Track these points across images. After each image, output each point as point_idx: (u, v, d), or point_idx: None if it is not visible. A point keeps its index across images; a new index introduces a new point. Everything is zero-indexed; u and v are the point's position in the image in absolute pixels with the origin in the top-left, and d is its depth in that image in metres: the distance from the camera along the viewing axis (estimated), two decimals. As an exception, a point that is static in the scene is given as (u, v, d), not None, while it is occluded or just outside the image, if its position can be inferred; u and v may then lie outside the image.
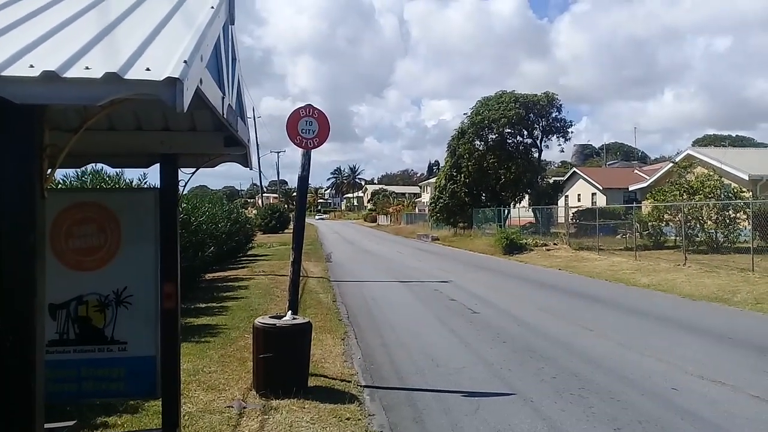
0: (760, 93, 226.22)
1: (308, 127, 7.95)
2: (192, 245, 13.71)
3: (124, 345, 4.07)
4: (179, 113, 2.37)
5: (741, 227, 22.42)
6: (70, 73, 2.06)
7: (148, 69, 2.17)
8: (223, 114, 3.27)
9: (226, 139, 4.34)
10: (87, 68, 2.11)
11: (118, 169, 10.82)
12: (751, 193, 25.45)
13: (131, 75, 2.12)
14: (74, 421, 4.36)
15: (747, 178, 27.54)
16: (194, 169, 4.76)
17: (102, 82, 2.05)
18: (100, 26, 2.57)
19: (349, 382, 7.34)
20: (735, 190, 25.05)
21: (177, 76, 2.10)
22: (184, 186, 4.55)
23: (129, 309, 4.10)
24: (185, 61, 2.23)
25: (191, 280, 14.48)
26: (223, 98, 3.27)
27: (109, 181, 10.48)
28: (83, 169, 9.76)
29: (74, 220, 4.13)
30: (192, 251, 13.62)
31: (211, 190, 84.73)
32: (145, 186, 10.19)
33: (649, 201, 27.81)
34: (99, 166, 9.11)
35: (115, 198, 4.56)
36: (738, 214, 22.54)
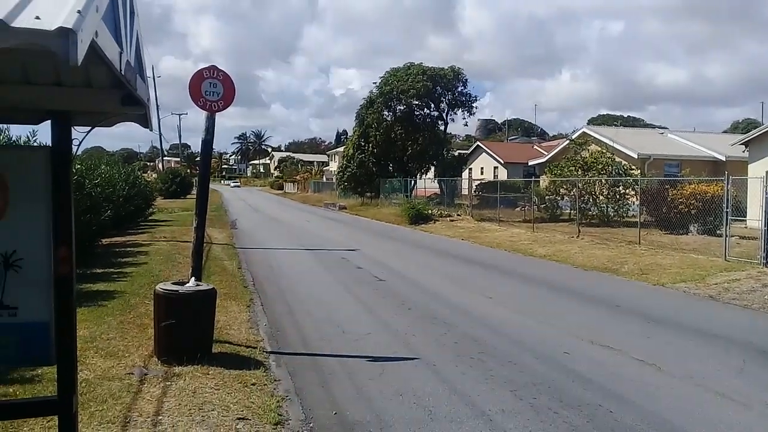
0: (649, 77, 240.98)
1: (212, 89, 7.70)
2: (87, 208, 13.04)
3: (15, 310, 3.85)
4: (72, 67, 2.24)
5: (630, 203, 23.90)
6: (-51, 18, 1.90)
7: (38, 18, 2.02)
8: (121, 70, 3.11)
9: (123, 97, 4.13)
10: (-31, 13, 1.95)
11: (2, 125, 10.05)
12: (639, 170, 27.14)
13: (19, 23, 1.97)
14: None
15: (636, 157, 29.31)
16: (89, 128, 4.52)
17: (-16, 28, 1.90)
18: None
19: (254, 348, 7.31)
20: (625, 168, 26.60)
21: (70, 27, 1.98)
22: (78, 145, 4.31)
23: (19, 273, 3.87)
24: (79, 11, 2.09)
25: (87, 244, 13.79)
26: (120, 53, 3.10)
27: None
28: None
29: (-45, 178, 3.83)
30: (87, 215, 12.96)
31: (108, 151, 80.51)
32: (35, 144, 9.54)
33: (547, 176, 29.08)
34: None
35: (2, 156, 4.26)
36: (627, 191, 23.99)
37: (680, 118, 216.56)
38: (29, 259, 3.84)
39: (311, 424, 5.22)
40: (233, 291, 10.84)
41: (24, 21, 2.00)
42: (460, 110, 46.29)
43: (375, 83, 45.92)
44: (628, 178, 24.52)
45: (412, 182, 41.71)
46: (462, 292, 11.70)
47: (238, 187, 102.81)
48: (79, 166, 13.56)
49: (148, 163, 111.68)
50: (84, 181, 13.31)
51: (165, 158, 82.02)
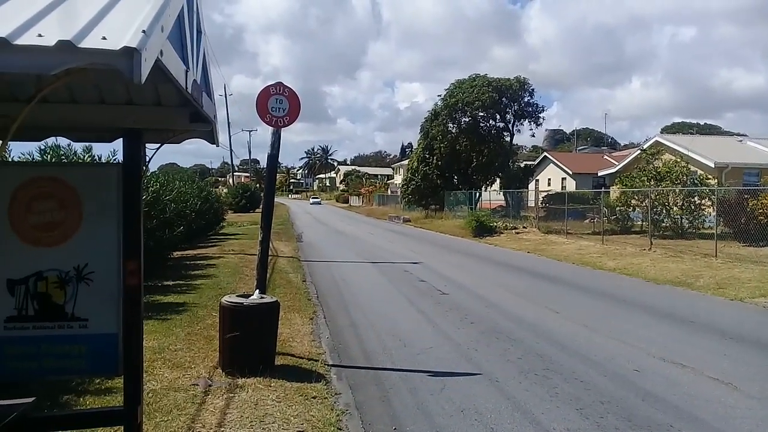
0: (725, 83, 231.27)
1: (278, 105, 7.85)
2: (161, 223, 13.54)
3: (85, 322, 3.99)
4: (142, 86, 2.31)
5: (706, 214, 22.90)
6: (22, 41, 2.00)
7: (104, 38, 2.11)
8: (187, 88, 3.20)
9: (191, 114, 4.26)
10: (40, 35, 2.04)
11: (85, 144, 10.60)
12: (716, 180, 25.99)
13: (86, 44, 2.06)
14: (33, 398, 4.29)
15: (713, 166, 28.09)
16: (159, 145, 4.68)
17: (55, 50, 1.99)
18: (57, -7, 2.49)
19: (316, 361, 7.35)
20: (701, 177, 25.53)
21: (134, 46, 2.05)
22: (148, 161, 4.47)
23: (90, 286, 4.02)
24: (144, 31, 2.17)
25: (159, 258, 14.31)
26: (186, 72, 3.20)
27: (73, 157, 10.25)
28: (45, 143, 9.52)
29: (34, 195, 4.02)
30: (161, 229, 13.44)
31: (182, 168, 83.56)
32: (113, 162, 10.00)
33: (618, 186, 28.22)
34: (58, 140, 8.95)
35: (76, 173, 4.44)
36: (703, 201, 23.00)
37: (760, 125, 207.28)
38: (100, 272, 3.99)
39: (371, 439, 5.18)
40: (297, 304, 10.98)
41: (91, 41, 2.09)
42: (527, 121, 45.71)
43: (440, 96, 45.99)
44: (704, 188, 23.51)
45: (477, 194, 41.36)
46: (527, 306, 11.45)
47: (319, 204, 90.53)
48: (155, 185, 14.11)
49: (220, 179, 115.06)
50: (159, 197, 13.84)
51: (235, 173, 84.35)
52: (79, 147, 10.49)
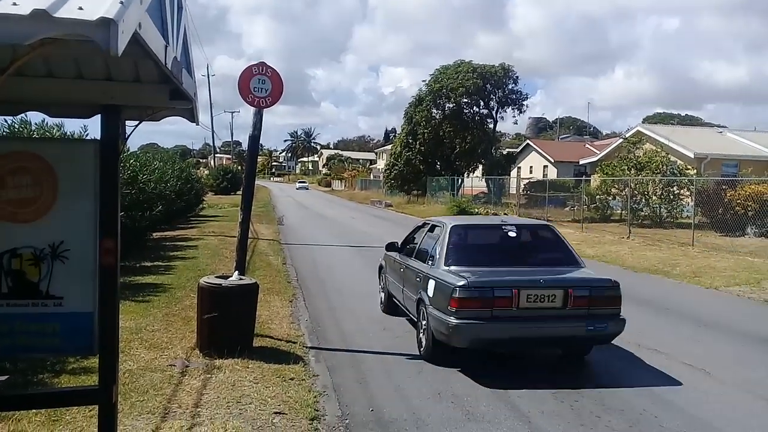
0: (707, 74, 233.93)
1: (261, 85, 7.77)
2: (139, 203, 13.39)
3: (60, 300, 3.94)
4: (121, 61, 2.27)
5: (684, 203, 23.17)
6: (-6, 8, 1.94)
7: (80, 8, 2.05)
8: (166, 64, 3.14)
9: (171, 92, 4.19)
10: (15, 4, 1.98)
11: (57, 120, 10.39)
12: (695, 170, 26.28)
13: (61, 13, 2.00)
14: (6, 376, 4.25)
15: (692, 156, 28.40)
16: (137, 122, 4.61)
17: (29, 19, 1.93)
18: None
19: (294, 343, 7.36)
20: (681, 168, 25.80)
21: (111, 17, 2.00)
22: (126, 139, 4.41)
23: (65, 264, 3.96)
24: (121, 2, 2.11)
25: (138, 238, 14.17)
26: (166, 47, 3.14)
27: (47, 132, 10.05)
28: (19, 118, 9.31)
29: (8, 170, 3.94)
30: (139, 209, 13.30)
31: (163, 148, 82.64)
32: (86, 138, 9.83)
33: (598, 175, 28.45)
34: (31, 115, 8.78)
35: (53, 148, 4.37)
36: (682, 191, 23.26)
37: (740, 117, 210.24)
38: (76, 251, 3.93)
39: (347, 421, 5.21)
40: (276, 286, 10.96)
41: (67, 11, 2.03)
42: (510, 108, 45.93)
43: (424, 81, 45.93)
44: (683, 177, 23.77)
45: (460, 180, 41.46)
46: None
47: (306, 189, 79.06)
48: (133, 162, 13.94)
49: (201, 160, 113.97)
50: (138, 176, 13.67)
51: (217, 155, 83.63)
52: (49, 122, 10.27)
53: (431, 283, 6.86)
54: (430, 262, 7.31)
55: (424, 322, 6.97)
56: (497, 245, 7.55)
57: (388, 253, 9.68)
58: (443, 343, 6.56)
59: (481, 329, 6.24)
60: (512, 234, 7.40)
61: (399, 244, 9.48)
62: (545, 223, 10.69)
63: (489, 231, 8.19)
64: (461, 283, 6.29)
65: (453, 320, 6.19)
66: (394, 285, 8.96)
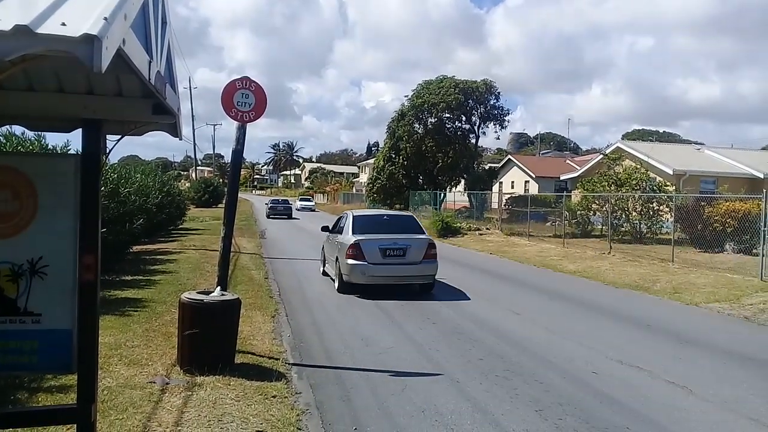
0: (681, 92, 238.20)
1: (244, 99, 7.75)
2: (120, 216, 13.23)
3: (38, 317, 3.87)
4: (103, 76, 2.24)
5: (664, 219, 23.41)
6: (-25, 24, 1.91)
7: (63, 24, 2.03)
8: (149, 79, 3.12)
9: (154, 106, 4.16)
10: (-3, 20, 1.96)
11: (36, 134, 10.24)
12: (674, 187, 26.60)
13: (44, 29, 1.98)
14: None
15: (671, 173, 28.78)
16: (119, 137, 4.56)
17: (11, 35, 1.91)
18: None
19: (277, 359, 7.28)
20: (660, 184, 26.10)
21: (95, 33, 1.98)
22: (107, 153, 4.35)
23: (44, 280, 3.90)
24: (105, 18, 2.10)
25: (118, 252, 14.00)
26: (150, 62, 3.11)
27: (28, 146, 9.92)
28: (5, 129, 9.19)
29: (-13, 184, 3.88)
30: (120, 222, 13.14)
31: (144, 160, 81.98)
32: (67, 152, 9.71)
33: (579, 191, 28.68)
34: (13, 129, 8.66)
35: (33, 163, 4.31)
36: (661, 207, 23.51)
37: (714, 134, 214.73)
38: (55, 266, 3.86)
39: (331, 439, 5.15)
40: (258, 301, 10.86)
41: (50, 27, 2.01)
42: (492, 123, 46.29)
43: (407, 96, 46.18)
44: (663, 194, 24.04)
45: (442, 195, 41.59)
46: (488, 307, 11.55)
47: (313, 211, 58.48)
48: (113, 176, 13.79)
49: (182, 173, 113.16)
50: (118, 189, 13.53)
51: (199, 167, 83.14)
52: (30, 136, 10.13)
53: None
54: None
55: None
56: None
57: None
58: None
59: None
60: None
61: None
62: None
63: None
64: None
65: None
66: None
